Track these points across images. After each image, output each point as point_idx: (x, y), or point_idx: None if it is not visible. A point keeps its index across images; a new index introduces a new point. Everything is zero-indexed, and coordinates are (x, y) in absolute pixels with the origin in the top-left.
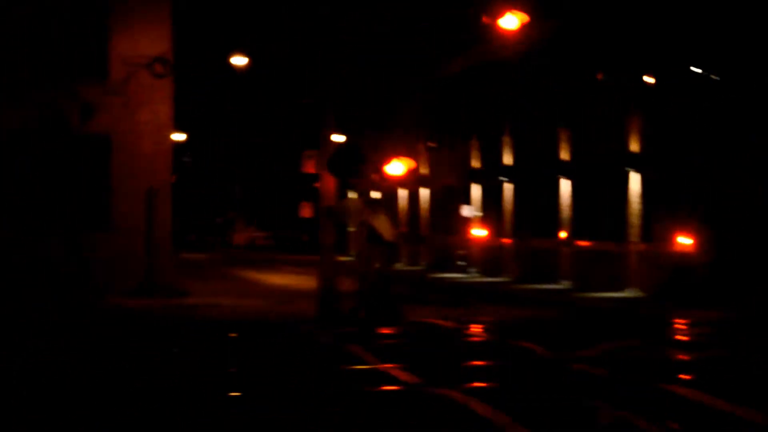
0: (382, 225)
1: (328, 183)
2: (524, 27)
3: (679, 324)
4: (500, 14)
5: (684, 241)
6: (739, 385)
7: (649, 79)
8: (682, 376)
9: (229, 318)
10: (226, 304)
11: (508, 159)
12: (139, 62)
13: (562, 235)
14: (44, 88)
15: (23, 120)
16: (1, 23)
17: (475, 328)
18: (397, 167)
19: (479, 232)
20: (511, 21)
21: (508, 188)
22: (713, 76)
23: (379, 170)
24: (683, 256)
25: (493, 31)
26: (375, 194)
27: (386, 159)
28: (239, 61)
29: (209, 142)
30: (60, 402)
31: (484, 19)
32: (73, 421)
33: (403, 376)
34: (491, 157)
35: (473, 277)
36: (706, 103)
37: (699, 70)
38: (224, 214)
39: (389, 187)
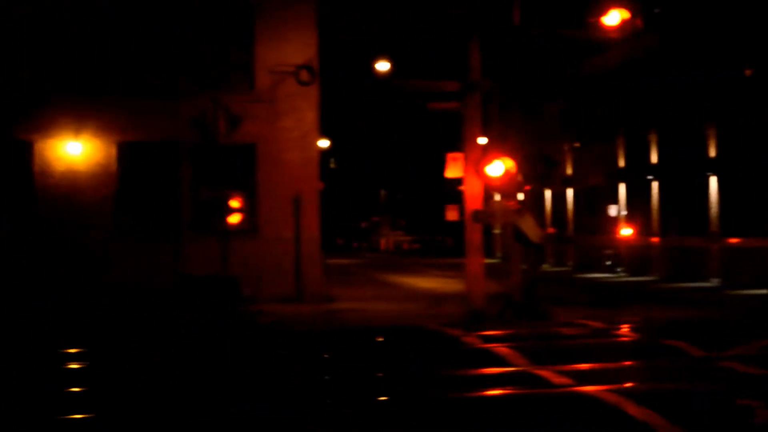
0: (528, 226)
1: (474, 186)
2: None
3: None
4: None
5: None
6: None
7: None
8: None
9: (376, 323)
10: (373, 309)
11: (654, 157)
12: (284, 70)
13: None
14: (192, 98)
15: (172, 129)
16: (150, 36)
17: (625, 328)
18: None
19: (626, 231)
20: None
21: (654, 186)
22: None
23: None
24: None
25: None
26: (520, 196)
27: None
28: (383, 66)
29: (354, 148)
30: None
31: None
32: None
33: (554, 377)
34: (637, 156)
35: (620, 276)
36: None
37: None
38: (369, 219)
39: (532, 189)
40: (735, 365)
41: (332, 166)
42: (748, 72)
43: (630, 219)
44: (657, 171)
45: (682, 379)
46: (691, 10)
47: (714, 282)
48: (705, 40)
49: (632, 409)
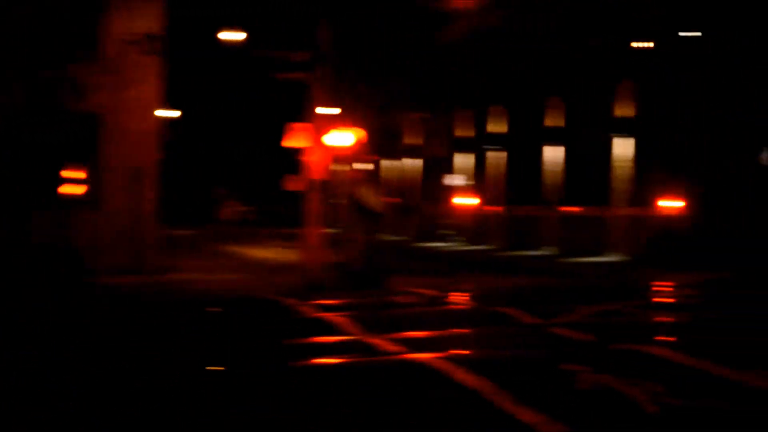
0: (370, 196)
1: (315, 155)
2: None
3: (664, 287)
4: None
5: (671, 204)
6: (721, 346)
7: (639, 45)
8: (665, 338)
9: (213, 293)
10: (211, 280)
11: (496, 127)
12: (130, 39)
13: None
14: (38, 68)
15: (15, 99)
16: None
17: (460, 296)
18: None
19: (465, 201)
20: None
21: (495, 157)
22: (705, 40)
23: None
24: (668, 219)
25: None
26: (362, 166)
27: (374, 130)
28: (231, 36)
29: (201, 119)
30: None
31: None
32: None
33: (388, 345)
34: (478, 126)
35: (459, 245)
36: (698, 67)
37: (690, 34)
38: (212, 190)
39: (373, 158)
40: (564, 331)
41: (178, 137)
42: (591, 43)
43: (470, 188)
44: (497, 141)
45: (513, 346)
46: None
47: (550, 250)
48: (549, 12)
49: (463, 375)
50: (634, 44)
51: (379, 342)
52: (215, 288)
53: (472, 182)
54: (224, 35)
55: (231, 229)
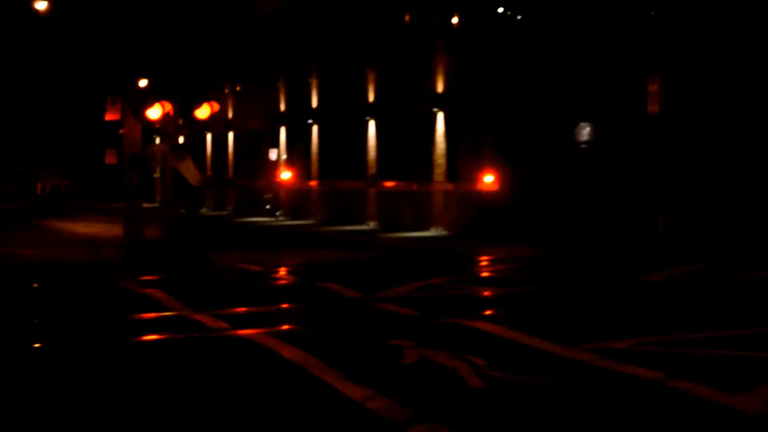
0: (188, 170)
1: (134, 129)
2: None
3: (483, 261)
4: None
5: (487, 179)
6: (542, 319)
7: (454, 20)
8: (488, 312)
9: (33, 269)
10: (30, 255)
11: (315, 101)
12: None
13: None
14: None
15: None
16: None
17: (283, 271)
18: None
19: (285, 175)
20: None
21: (314, 131)
22: (518, 16)
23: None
24: (487, 194)
25: None
26: (180, 139)
27: (194, 103)
28: (41, 5)
29: (15, 89)
30: None
31: None
32: None
33: (211, 321)
34: (299, 100)
35: (280, 220)
36: (512, 43)
37: (503, 10)
38: (28, 162)
39: (196, 131)
40: (388, 306)
41: None
42: (407, 18)
43: (290, 163)
44: (317, 115)
45: (338, 321)
46: None
47: (371, 225)
48: None
49: (287, 351)
50: (451, 20)
51: (204, 318)
52: (35, 263)
53: (292, 156)
54: (38, 4)
55: (50, 204)
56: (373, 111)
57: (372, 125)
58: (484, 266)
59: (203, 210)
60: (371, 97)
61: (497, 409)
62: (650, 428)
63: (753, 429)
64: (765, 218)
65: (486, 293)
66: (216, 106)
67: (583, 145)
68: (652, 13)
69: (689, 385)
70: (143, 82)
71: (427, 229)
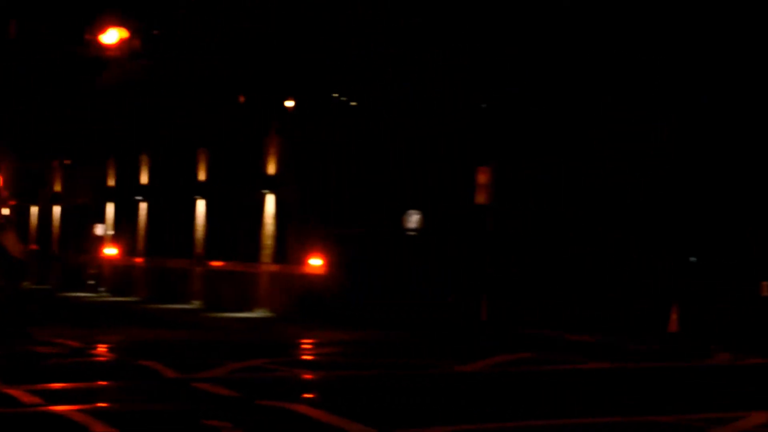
0: (10, 241)
1: None
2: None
3: (306, 344)
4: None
5: (314, 262)
6: (358, 403)
7: (288, 103)
8: (308, 395)
9: None
10: None
11: (144, 178)
12: None
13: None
14: None
15: None
16: None
17: (102, 348)
18: None
19: (110, 251)
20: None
21: (142, 207)
22: (352, 103)
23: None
24: (313, 277)
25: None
26: (4, 211)
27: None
28: None
29: None
30: None
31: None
32: None
33: (25, 396)
34: (127, 176)
35: (103, 296)
36: (345, 127)
37: (338, 95)
38: None
39: (17, 204)
40: (207, 386)
41: None
42: (240, 99)
43: (116, 239)
44: (146, 192)
45: (155, 400)
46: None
47: (196, 304)
48: (199, 66)
49: (100, 428)
50: (284, 102)
51: (18, 393)
52: None
53: (119, 232)
54: None
55: None
56: (203, 190)
57: (201, 204)
58: (307, 349)
59: (25, 283)
60: (202, 176)
61: None
62: None
63: None
64: (574, 311)
65: (307, 376)
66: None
67: (411, 232)
68: (483, 106)
69: None
70: None
71: (251, 310)
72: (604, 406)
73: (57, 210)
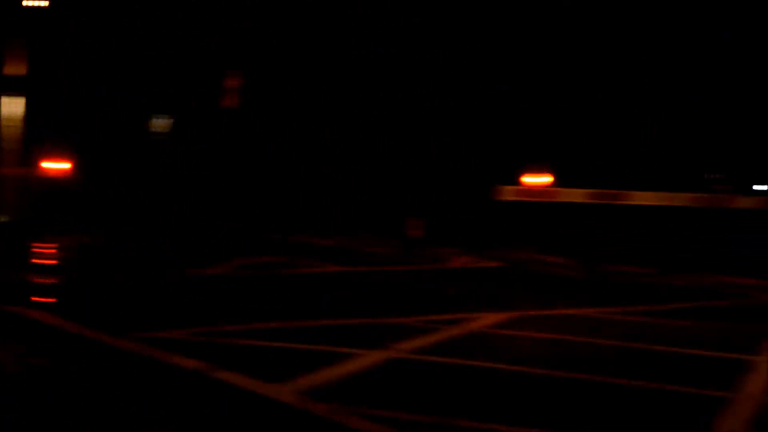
0: None
1: None
2: None
3: (40, 249)
4: None
5: (56, 166)
6: (92, 308)
7: (31, 3)
8: (38, 299)
9: None
10: None
11: None
12: None
13: None
14: None
15: None
16: None
17: None
18: None
19: None
20: None
21: None
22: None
23: None
24: (55, 181)
25: None
26: None
27: None
28: None
29: None
30: None
31: None
32: None
33: None
34: None
35: None
36: (94, 30)
37: None
38: None
39: None
40: None
41: None
42: None
43: None
44: None
45: None
46: None
47: None
48: None
49: None
50: (26, 2)
51: None
52: None
53: None
54: None
55: None
56: None
57: None
58: (41, 254)
59: None
60: None
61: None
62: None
63: (282, 418)
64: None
65: (40, 281)
66: None
67: (157, 137)
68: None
69: (229, 375)
70: None
71: None
72: (351, 307)
73: None
